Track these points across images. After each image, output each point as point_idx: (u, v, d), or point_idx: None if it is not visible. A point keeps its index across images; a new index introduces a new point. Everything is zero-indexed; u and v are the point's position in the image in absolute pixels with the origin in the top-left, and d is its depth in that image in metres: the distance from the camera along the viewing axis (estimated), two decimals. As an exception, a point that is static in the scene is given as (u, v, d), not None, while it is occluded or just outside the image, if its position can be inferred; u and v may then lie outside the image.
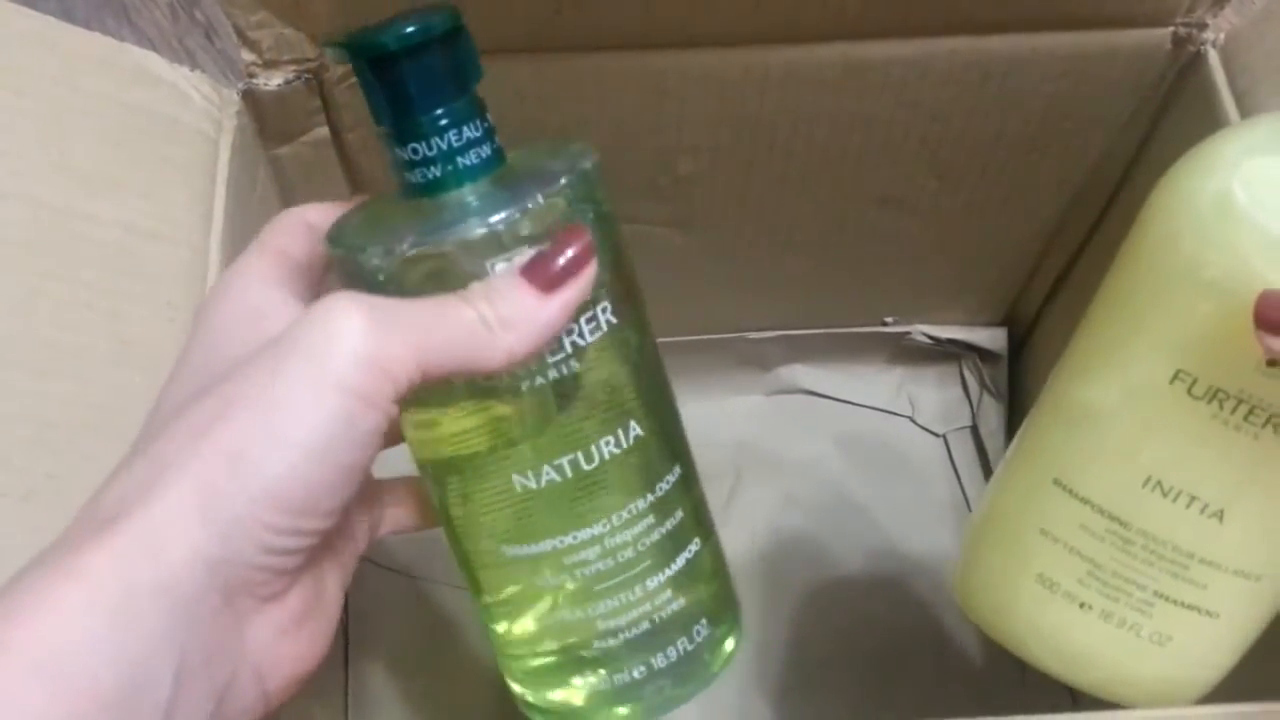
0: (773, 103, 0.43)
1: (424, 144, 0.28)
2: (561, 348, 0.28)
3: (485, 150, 0.28)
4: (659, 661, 0.31)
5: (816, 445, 0.62)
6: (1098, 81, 0.43)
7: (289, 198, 0.45)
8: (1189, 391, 0.29)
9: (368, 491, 0.32)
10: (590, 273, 0.27)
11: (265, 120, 0.42)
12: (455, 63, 0.28)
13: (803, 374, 0.63)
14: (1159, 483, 0.30)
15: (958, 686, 0.55)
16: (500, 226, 0.27)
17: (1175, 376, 0.29)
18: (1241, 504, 0.29)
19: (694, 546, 0.32)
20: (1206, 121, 0.41)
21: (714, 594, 0.33)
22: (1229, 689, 0.33)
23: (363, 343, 0.24)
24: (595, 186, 0.29)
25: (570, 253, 0.27)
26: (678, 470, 0.32)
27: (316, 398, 0.24)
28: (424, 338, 0.25)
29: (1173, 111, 0.44)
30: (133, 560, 0.23)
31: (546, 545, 0.30)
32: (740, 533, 0.58)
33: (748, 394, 0.63)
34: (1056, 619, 0.32)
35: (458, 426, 0.30)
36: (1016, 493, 0.33)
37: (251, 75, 0.40)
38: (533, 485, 0.29)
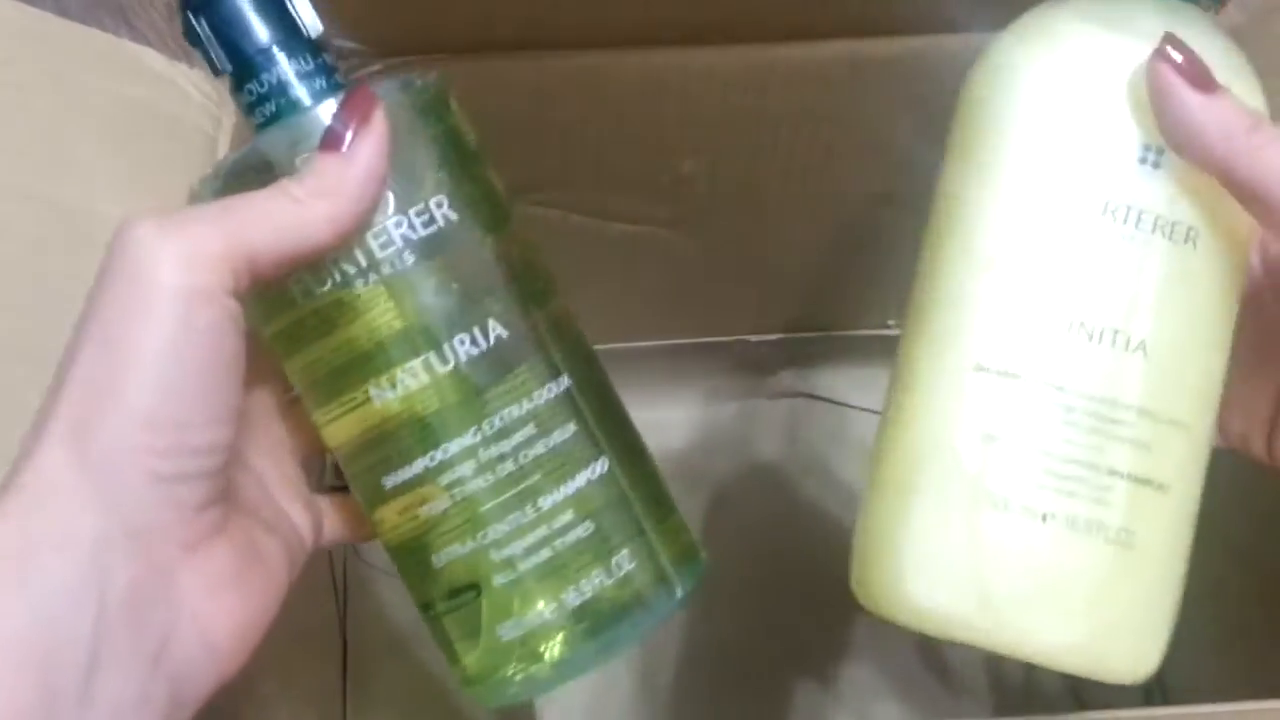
0: (775, 100, 0.43)
1: (256, 82, 0.29)
2: (391, 241, 0.28)
3: (320, 82, 0.29)
4: (571, 598, 0.29)
5: (817, 449, 0.62)
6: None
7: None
8: (1087, 211, 0.28)
9: (306, 496, 0.32)
10: (380, 120, 0.27)
11: (264, 119, 0.42)
12: (277, 3, 0.29)
13: (804, 378, 0.63)
14: (1083, 325, 0.28)
15: (964, 692, 0.55)
16: (307, 124, 0.28)
17: (1071, 199, 0.28)
18: (1158, 330, 0.28)
19: (599, 467, 0.30)
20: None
21: (638, 526, 0.31)
22: (1229, 688, 0.32)
23: (164, 242, 0.24)
24: (435, 99, 0.30)
25: (354, 107, 0.27)
26: (566, 382, 0.30)
27: (144, 307, 0.24)
28: (235, 224, 0.26)
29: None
30: (25, 516, 0.23)
31: (419, 465, 0.29)
32: (739, 538, 0.58)
33: (749, 398, 0.63)
34: (1018, 548, 0.28)
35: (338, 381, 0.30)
36: (936, 409, 0.29)
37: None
38: (389, 395, 0.29)
